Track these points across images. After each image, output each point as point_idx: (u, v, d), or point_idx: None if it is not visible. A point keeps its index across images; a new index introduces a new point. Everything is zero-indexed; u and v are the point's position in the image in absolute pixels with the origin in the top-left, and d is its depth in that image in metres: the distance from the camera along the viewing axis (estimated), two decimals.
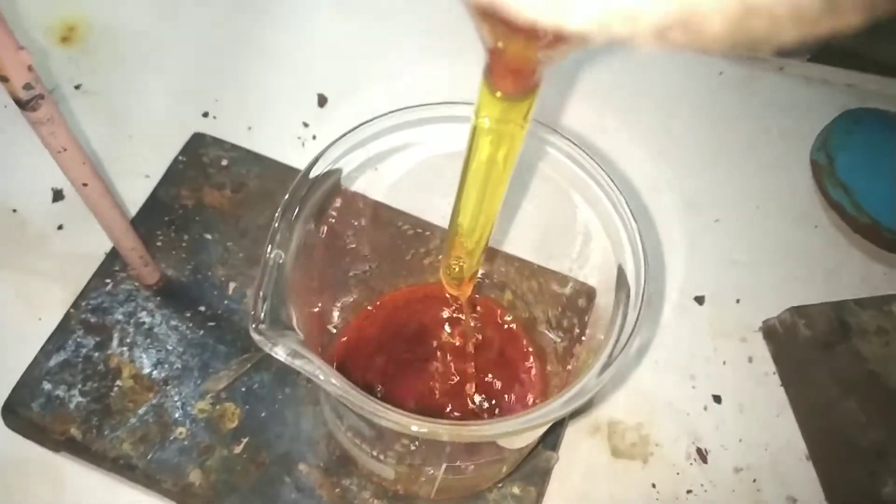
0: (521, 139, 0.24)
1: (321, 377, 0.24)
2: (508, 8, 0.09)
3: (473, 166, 0.25)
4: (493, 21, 0.16)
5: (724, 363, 0.46)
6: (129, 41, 0.53)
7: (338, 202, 0.34)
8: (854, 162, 0.49)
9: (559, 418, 0.25)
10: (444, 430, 0.23)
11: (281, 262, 0.27)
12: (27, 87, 0.27)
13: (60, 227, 0.46)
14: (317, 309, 0.35)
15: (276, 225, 0.28)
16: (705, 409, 0.44)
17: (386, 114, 0.32)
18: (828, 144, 0.50)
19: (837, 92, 0.56)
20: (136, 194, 0.46)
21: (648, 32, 0.09)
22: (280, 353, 0.24)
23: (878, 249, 0.49)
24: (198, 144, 0.47)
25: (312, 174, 0.30)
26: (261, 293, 0.26)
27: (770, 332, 0.46)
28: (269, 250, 0.27)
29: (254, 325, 0.25)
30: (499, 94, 0.20)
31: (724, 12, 0.09)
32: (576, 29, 0.09)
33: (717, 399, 0.45)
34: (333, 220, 0.34)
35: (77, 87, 0.51)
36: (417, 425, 0.23)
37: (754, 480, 0.42)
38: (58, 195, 0.46)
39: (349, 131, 0.31)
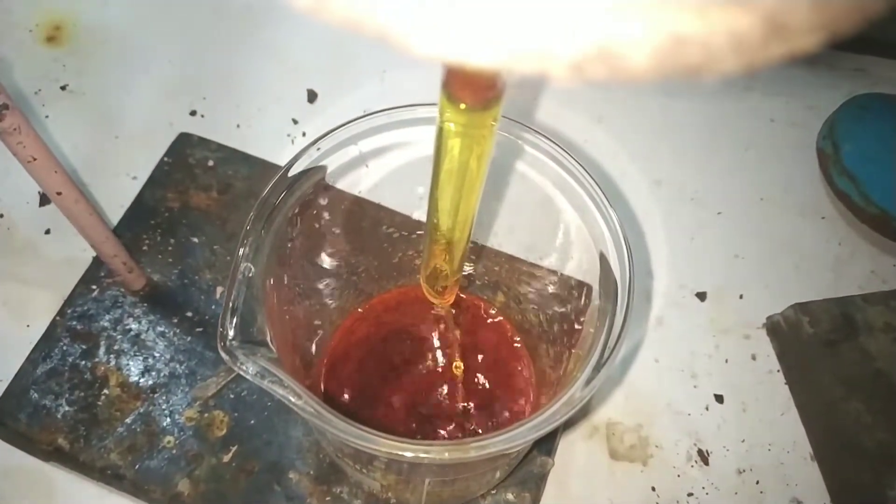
0: (492, 139, 0.22)
1: (292, 399, 0.23)
2: (399, 45, 0.08)
3: (444, 170, 0.24)
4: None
5: (727, 361, 0.45)
6: (116, 40, 0.52)
7: (321, 203, 0.33)
8: (861, 150, 0.48)
9: (548, 432, 0.24)
10: (423, 454, 0.22)
11: (251, 275, 0.26)
12: None
13: (48, 232, 0.45)
14: (300, 315, 0.34)
15: (248, 228, 0.27)
16: (707, 408, 0.43)
17: (369, 114, 0.31)
18: (834, 132, 0.49)
19: (844, 77, 0.54)
20: (122, 196, 0.45)
21: (563, 69, 0.08)
22: (249, 372, 0.24)
23: (887, 241, 0.48)
24: (184, 145, 0.46)
25: (290, 174, 0.29)
26: (230, 307, 0.25)
27: (774, 329, 0.45)
28: (239, 259, 0.26)
29: (221, 343, 0.24)
30: (462, 105, 0.18)
31: (648, 44, 0.07)
32: (481, 68, 0.08)
33: (720, 398, 0.43)
34: (317, 222, 0.33)
35: (63, 88, 0.50)
36: (388, 447, 0.22)
37: (757, 482, 0.41)
38: (44, 199, 0.46)
39: (329, 132, 0.30)
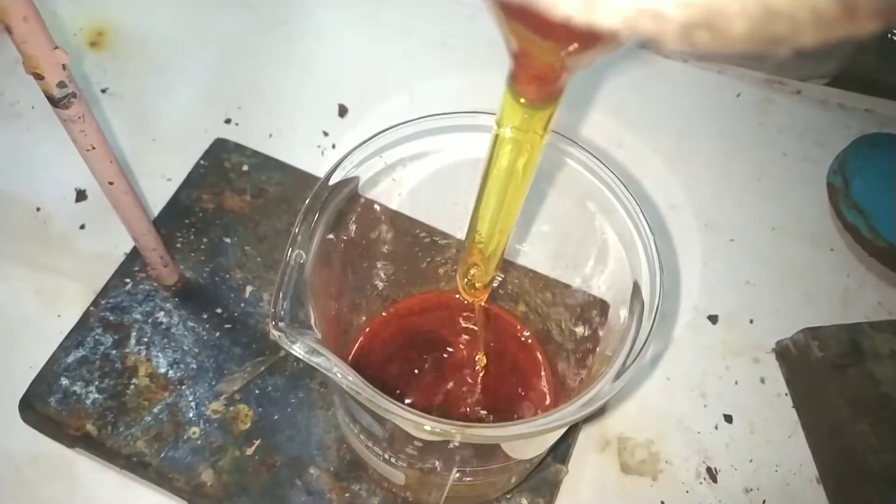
0: (541, 149, 0.24)
1: (338, 374, 0.24)
2: (543, 5, 0.09)
3: (493, 175, 0.25)
4: (524, 21, 0.16)
5: (737, 383, 0.46)
6: (156, 48, 0.54)
7: (356, 209, 0.34)
8: (870, 186, 0.49)
9: (573, 423, 0.25)
10: (456, 431, 0.24)
11: (302, 262, 0.27)
12: (61, 85, 0.28)
13: (82, 227, 0.46)
14: (334, 313, 0.35)
15: (297, 228, 0.28)
16: (716, 428, 0.44)
17: (405, 122, 0.32)
18: (844, 168, 0.51)
19: (855, 116, 0.57)
20: (157, 196, 0.47)
21: (675, 31, 0.09)
22: (299, 350, 0.25)
23: (894, 274, 0.49)
24: (220, 149, 0.47)
25: (332, 181, 0.31)
26: (281, 292, 0.26)
27: (783, 353, 0.46)
28: (290, 251, 0.27)
29: (273, 323, 0.25)
30: (522, 100, 0.20)
31: (747, 14, 0.09)
32: (607, 26, 0.09)
33: (729, 419, 0.44)
34: (351, 227, 0.35)
35: (104, 91, 0.52)
36: (430, 425, 0.24)
37: (764, 502, 0.42)
38: (81, 195, 0.47)
39: (369, 139, 0.32)
